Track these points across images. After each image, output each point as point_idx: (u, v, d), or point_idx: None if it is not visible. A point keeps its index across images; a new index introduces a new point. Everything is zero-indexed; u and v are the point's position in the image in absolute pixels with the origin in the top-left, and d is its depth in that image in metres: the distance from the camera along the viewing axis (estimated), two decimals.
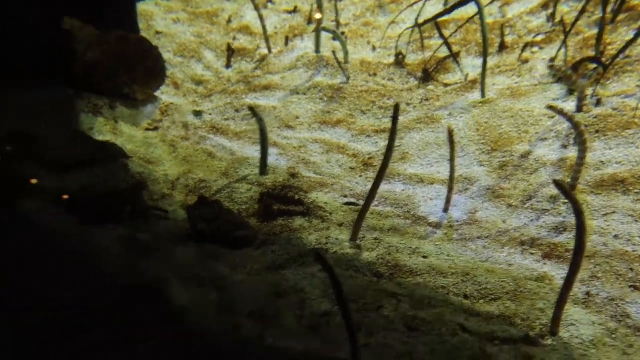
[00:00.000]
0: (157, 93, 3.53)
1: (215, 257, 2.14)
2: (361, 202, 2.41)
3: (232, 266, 2.11)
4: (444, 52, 3.33)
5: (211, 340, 1.72)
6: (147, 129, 3.28)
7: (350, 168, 2.80)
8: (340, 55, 3.47)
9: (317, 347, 1.75)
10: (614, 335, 1.83)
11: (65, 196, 2.26)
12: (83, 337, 1.61)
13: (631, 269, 2.01)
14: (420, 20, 3.28)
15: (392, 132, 2.10)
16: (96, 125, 3.17)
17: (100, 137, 3.02)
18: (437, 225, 2.35)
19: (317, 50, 3.66)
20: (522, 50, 3.20)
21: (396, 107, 2.03)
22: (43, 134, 2.76)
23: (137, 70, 3.40)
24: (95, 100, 3.26)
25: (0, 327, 1.57)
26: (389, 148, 2.10)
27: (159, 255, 2.08)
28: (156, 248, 2.13)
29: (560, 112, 2.37)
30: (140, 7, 3.97)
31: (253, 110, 2.70)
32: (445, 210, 2.40)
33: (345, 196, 2.57)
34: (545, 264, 2.14)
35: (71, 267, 1.96)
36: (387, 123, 3.07)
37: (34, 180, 2.30)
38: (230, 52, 3.96)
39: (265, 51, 3.85)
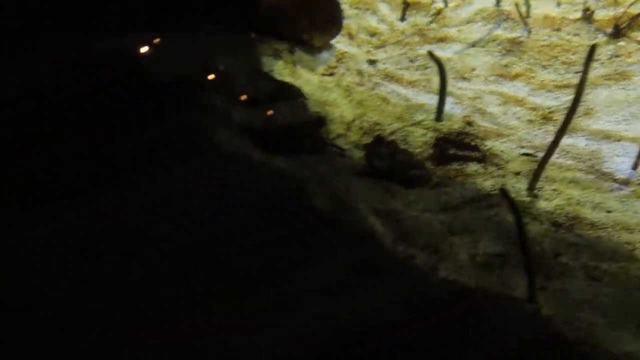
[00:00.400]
0: (332, 42, 3.62)
1: (390, 193, 2.19)
2: (539, 154, 2.34)
3: (406, 203, 2.15)
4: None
5: (388, 266, 1.77)
6: (323, 75, 3.38)
7: (529, 121, 2.72)
8: (522, 10, 3.35)
9: (491, 284, 1.75)
10: None
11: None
12: (275, 250, 1.72)
13: None
14: None
15: (583, 79, 2.01)
16: (276, 68, 3.31)
17: (279, 79, 3.17)
18: (625, 182, 2.24)
19: (497, 4, 3.55)
20: None
21: (592, 49, 1.93)
22: (231, 72, 2.94)
23: (316, 18, 3.49)
24: (276, 45, 3.39)
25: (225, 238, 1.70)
26: (578, 96, 2.01)
27: (338, 186, 2.17)
28: (335, 179, 2.22)
29: None
30: None
31: (433, 55, 2.70)
32: (635, 167, 2.27)
33: (522, 147, 2.50)
34: None
35: (257, 190, 2.09)
36: (570, 79, 2.93)
37: (243, 97, 2.47)
38: (406, 6, 3.95)
39: (442, 5, 3.80)
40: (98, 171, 2.01)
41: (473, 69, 3.21)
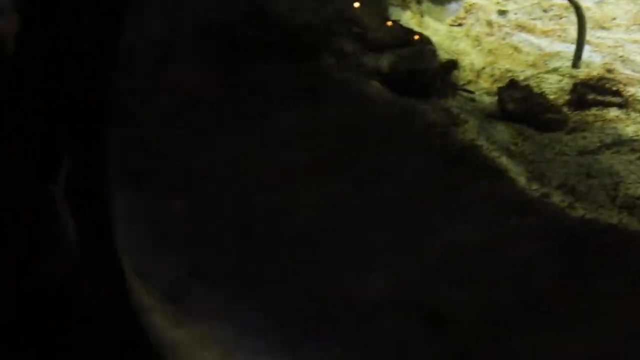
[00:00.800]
0: None
1: (523, 135, 2.15)
2: None
3: (540, 146, 2.09)
4: None
5: (522, 202, 1.75)
6: (451, 25, 3.33)
7: None
8: None
9: (633, 226, 1.69)
10: None
11: None
12: (412, 183, 1.74)
13: None
14: None
15: None
16: (403, 17, 3.29)
17: (408, 27, 3.15)
18: None
19: None
20: None
21: None
22: (361, 19, 2.96)
23: None
24: None
25: None
26: None
27: (470, 127, 2.15)
28: (466, 120, 2.20)
29: None
30: None
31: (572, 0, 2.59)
32: None
33: None
34: None
35: (389, 126, 2.11)
36: None
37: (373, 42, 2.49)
38: None
39: None
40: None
41: (613, 18, 3.04)
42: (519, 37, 3.06)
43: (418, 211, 1.59)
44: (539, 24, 3.18)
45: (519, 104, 2.25)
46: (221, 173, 1.69)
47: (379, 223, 1.54)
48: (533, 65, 2.74)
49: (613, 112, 2.23)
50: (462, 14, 3.44)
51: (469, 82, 2.68)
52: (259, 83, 2.23)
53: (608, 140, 2.08)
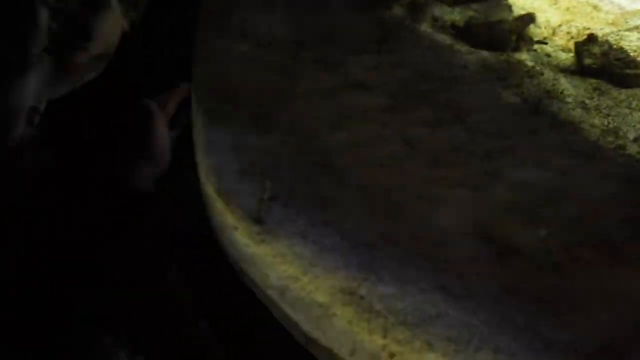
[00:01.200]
0: None
1: (599, 90, 2.14)
2: None
3: (617, 101, 2.08)
4: None
5: (595, 150, 1.76)
6: None
7: None
8: None
9: None
10: None
11: None
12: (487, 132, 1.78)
13: None
14: None
15: None
16: None
17: None
18: None
19: None
20: None
21: None
22: None
23: None
24: None
25: None
26: None
27: (544, 79, 2.15)
28: (540, 73, 2.20)
29: None
30: None
31: None
32: None
33: None
34: None
35: (464, 77, 2.13)
36: None
37: None
38: None
39: None
40: None
41: None
42: None
43: (490, 152, 1.63)
44: None
45: (597, 58, 2.23)
46: (300, 109, 1.76)
47: (450, 161, 1.58)
48: (612, 23, 2.69)
49: None
50: None
51: (545, 38, 2.66)
52: (334, 31, 2.29)
53: None
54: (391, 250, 1.30)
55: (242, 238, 1.37)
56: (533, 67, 2.23)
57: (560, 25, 2.79)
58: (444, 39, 2.41)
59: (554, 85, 2.11)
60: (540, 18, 2.83)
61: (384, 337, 1.12)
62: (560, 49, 2.60)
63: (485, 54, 2.28)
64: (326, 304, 1.18)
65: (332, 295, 1.20)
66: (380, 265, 1.26)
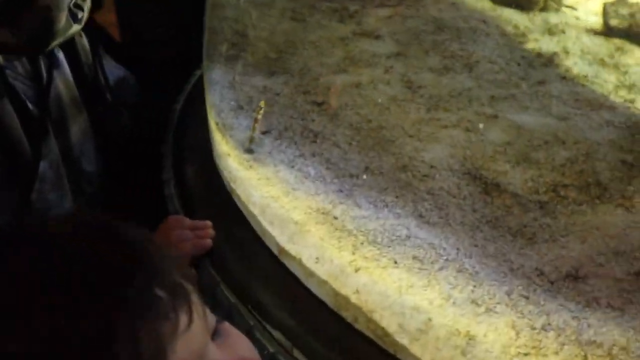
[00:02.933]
0: None
1: (622, 50, 2.08)
2: None
3: (638, 60, 2.03)
4: None
5: (606, 102, 1.72)
6: None
7: None
8: None
9: None
10: None
11: None
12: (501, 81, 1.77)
13: None
14: None
15: None
16: None
17: None
18: None
19: None
20: None
21: None
22: None
23: None
24: None
25: None
26: None
27: (565, 37, 2.11)
28: (562, 31, 2.16)
29: None
30: None
31: None
32: None
33: None
34: None
35: (479, 30, 2.11)
36: None
37: None
38: None
39: None
40: None
41: None
42: None
43: (492, 99, 1.62)
44: None
45: (624, 19, 2.17)
46: (307, 55, 1.79)
47: (449, 105, 1.59)
48: None
49: None
50: None
51: (576, 2, 2.59)
52: None
53: None
54: (373, 180, 1.33)
55: (233, 163, 1.42)
56: (556, 25, 2.19)
57: None
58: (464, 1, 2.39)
59: (574, 43, 2.07)
60: None
61: (353, 253, 1.14)
62: (592, 13, 2.53)
63: (509, 11, 2.25)
64: (301, 222, 1.21)
65: (308, 215, 1.23)
66: (359, 193, 1.29)
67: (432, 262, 1.14)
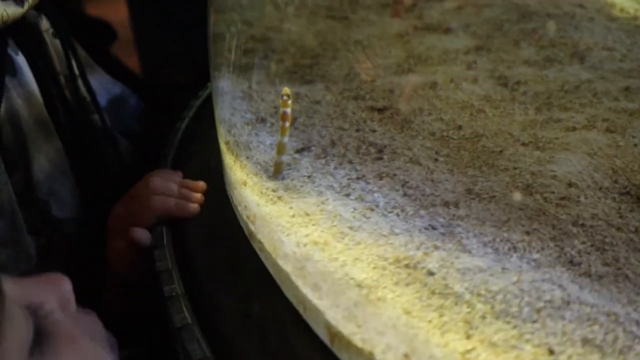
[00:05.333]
0: None
1: None
2: None
3: None
4: None
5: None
6: None
7: None
8: None
9: None
10: None
11: None
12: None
13: None
14: None
15: None
16: None
17: None
18: None
19: None
20: None
21: None
22: None
23: None
24: None
25: None
26: None
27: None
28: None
29: None
30: None
31: None
32: None
33: None
34: None
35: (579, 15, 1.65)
36: None
37: None
38: None
39: None
40: None
41: None
42: None
43: (624, 89, 1.13)
44: None
45: None
46: (357, 56, 1.35)
47: (567, 101, 1.09)
48: None
49: None
50: None
51: None
52: None
53: None
54: (482, 209, 0.83)
55: (252, 195, 0.93)
56: None
57: None
58: None
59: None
60: None
61: (468, 337, 0.63)
62: None
63: None
64: (370, 284, 0.70)
65: (381, 271, 0.72)
66: (464, 230, 0.78)
67: (620, 350, 0.61)
